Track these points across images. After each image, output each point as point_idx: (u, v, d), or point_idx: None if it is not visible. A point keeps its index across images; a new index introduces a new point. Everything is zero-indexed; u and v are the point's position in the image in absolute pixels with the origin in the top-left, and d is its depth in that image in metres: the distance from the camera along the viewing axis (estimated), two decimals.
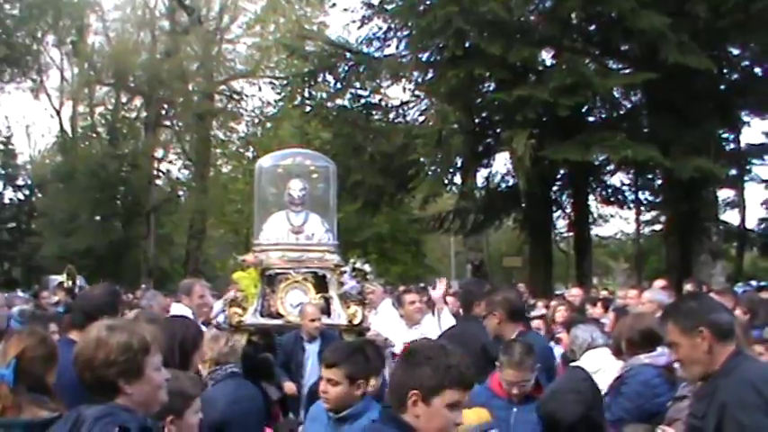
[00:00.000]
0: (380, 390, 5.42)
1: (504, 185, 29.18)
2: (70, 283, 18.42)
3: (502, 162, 29.23)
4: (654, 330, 6.51)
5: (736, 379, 3.93)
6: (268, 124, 45.82)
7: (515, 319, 6.58)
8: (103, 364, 3.41)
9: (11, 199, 51.27)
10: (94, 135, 48.88)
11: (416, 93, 28.46)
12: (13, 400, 3.97)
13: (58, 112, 49.34)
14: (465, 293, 7.79)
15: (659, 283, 12.74)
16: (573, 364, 6.91)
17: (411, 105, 29.04)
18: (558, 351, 9.09)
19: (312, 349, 8.79)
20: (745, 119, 28.46)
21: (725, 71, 25.90)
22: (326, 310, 9.71)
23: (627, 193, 30.43)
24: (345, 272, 10.02)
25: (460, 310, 9.12)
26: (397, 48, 27.72)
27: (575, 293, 14.48)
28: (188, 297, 9.14)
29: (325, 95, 29.96)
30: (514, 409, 5.68)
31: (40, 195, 50.59)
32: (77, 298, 7.40)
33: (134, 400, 3.43)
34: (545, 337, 9.32)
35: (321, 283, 9.90)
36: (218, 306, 10.13)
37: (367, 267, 10.37)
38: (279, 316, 9.67)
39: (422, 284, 24.64)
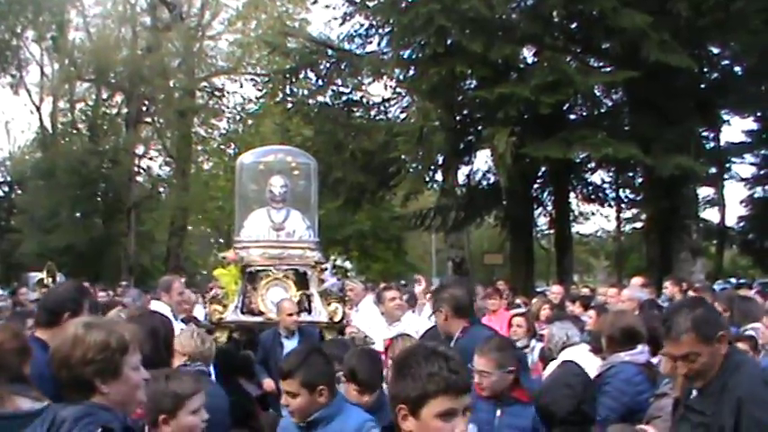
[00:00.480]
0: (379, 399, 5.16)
1: (485, 183, 29.24)
2: (50, 280, 18.32)
3: (483, 159, 29.32)
4: (635, 328, 6.54)
5: (746, 375, 3.99)
6: (249, 121, 45.77)
7: (460, 314, 6.46)
8: (80, 362, 3.35)
9: None
10: (75, 131, 48.66)
11: (398, 90, 28.46)
12: None
13: (38, 108, 49.12)
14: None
15: (637, 280, 12.81)
16: (555, 360, 6.92)
17: (392, 102, 29.06)
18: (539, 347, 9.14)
19: (290, 345, 8.74)
20: (726, 117, 28.72)
21: (705, 70, 26.09)
22: (307, 308, 9.70)
23: (608, 191, 30.57)
24: (326, 269, 10.03)
25: None
26: (379, 45, 27.77)
27: (556, 291, 14.51)
28: (167, 294, 9.13)
29: (306, 92, 29.93)
30: (498, 411, 5.49)
31: (19, 192, 50.35)
32: (42, 296, 7.33)
33: (110, 400, 3.38)
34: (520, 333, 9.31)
35: (302, 281, 9.88)
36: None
37: (348, 264, 10.42)
38: (260, 313, 9.65)
39: (403, 282, 24.70)
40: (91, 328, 3.44)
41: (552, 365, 6.93)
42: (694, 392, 4.17)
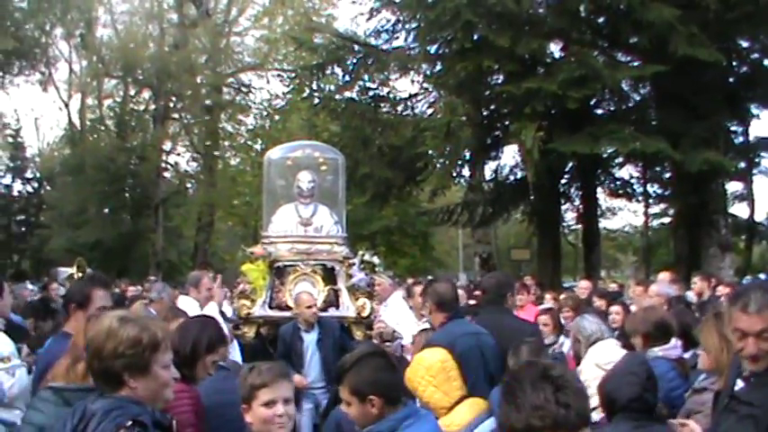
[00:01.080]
0: None
1: (512, 178, 29.16)
2: (80, 275, 18.40)
3: (510, 154, 29.27)
4: (667, 323, 6.54)
5: None
6: (276, 117, 45.74)
7: (442, 309, 6.72)
8: (111, 355, 3.44)
9: (20, 192, 51.47)
10: (103, 128, 48.91)
11: (425, 85, 28.46)
12: None
13: (67, 105, 49.53)
14: (498, 285, 7.65)
15: (665, 275, 12.72)
16: (586, 354, 6.89)
17: (419, 98, 29.04)
18: (569, 344, 9.11)
19: (310, 339, 8.78)
20: (755, 111, 28.37)
21: (734, 64, 25.83)
22: (335, 303, 9.72)
23: (635, 186, 30.43)
24: (354, 264, 10.04)
25: (468, 302, 9.09)
26: (406, 40, 27.69)
27: (584, 286, 14.45)
28: (195, 289, 9.16)
29: (333, 88, 29.95)
30: None
31: (48, 188, 50.70)
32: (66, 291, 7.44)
33: (138, 395, 3.45)
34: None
35: (330, 276, 9.92)
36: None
37: (375, 260, 10.40)
38: (287, 308, 9.67)
39: (430, 277, 24.69)
40: (126, 323, 3.52)
41: (585, 360, 6.89)
42: (740, 383, 4.04)
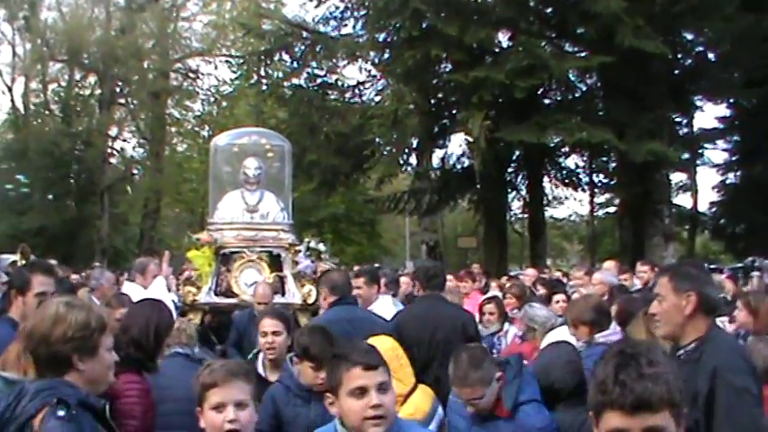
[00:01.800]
0: None
1: (459, 166, 29.27)
2: (24, 262, 18.15)
3: (457, 143, 29.38)
4: (607, 309, 6.66)
5: (722, 345, 4.14)
6: (224, 103, 45.59)
7: (333, 293, 7.38)
8: (60, 339, 3.47)
9: None
10: (47, 112, 48.23)
11: (373, 73, 28.50)
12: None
13: (10, 89, 48.64)
14: (426, 270, 7.96)
15: (609, 264, 12.87)
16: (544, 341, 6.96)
17: (367, 85, 29.07)
18: (513, 331, 9.19)
19: None
20: (699, 103, 28.83)
21: (679, 56, 26.19)
22: (281, 289, 9.70)
23: (581, 176, 30.68)
24: (300, 251, 10.02)
25: (414, 290, 9.14)
26: (354, 27, 27.77)
27: (530, 274, 14.57)
28: (142, 276, 9.11)
29: (281, 74, 29.90)
30: (473, 429, 5.32)
31: None
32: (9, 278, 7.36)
33: (85, 377, 3.50)
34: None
35: (276, 263, 9.89)
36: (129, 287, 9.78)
37: (321, 247, 10.40)
38: (233, 295, 9.65)
39: (377, 265, 24.71)
40: (72, 308, 3.56)
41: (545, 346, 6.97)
42: None
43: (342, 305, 7.31)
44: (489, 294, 11.95)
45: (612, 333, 6.48)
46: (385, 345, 5.23)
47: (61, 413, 3.31)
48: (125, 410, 4.47)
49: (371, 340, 5.45)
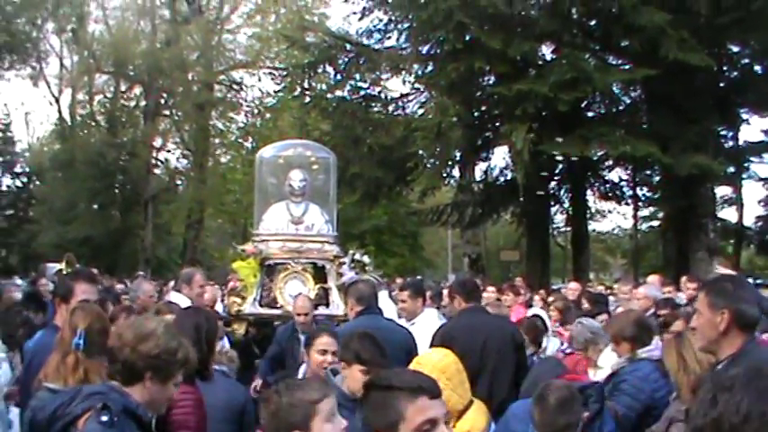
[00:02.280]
0: None
1: (502, 179, 29.16)
2: (69, 270, 18.34)
3: (500, 156, 29.27)
4: (648, 323, 6.63)
5: (754, 360, 4.06)
6: (267, 115, 45.79)
7: (359, 303, 7.50)
8: (144, 354, 3.62)
9: (9, 186, 51.26)
10: (93, 123, 48.84)
11: (416, 85, 28.43)
12: (89, 364, 4.44)
13: (57, 100, 49.38)
14: (464, 284, 7.97)
15: (653, 278, 12.78)
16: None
17: (411, 98, 29.02)
18: (555, 344, 9.17)
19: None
20: (744, 116, 28.49)
21: (725, 68, 25.96)
22: (325, 301, 9.75)
23: (625, 189, 30.43)
24: (344, 263, 10.06)
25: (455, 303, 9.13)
26: (398, 40, 27.74)
27: (573, 287, 14.49)
28: (188, 286, 9.15)
29: (324, 87, 29.99)
30: None
31: (38, 183, 50.55)
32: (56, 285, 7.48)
33: (145, 396, 3.63)
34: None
35: (320, 274, 9.95)
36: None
37: (366, 259, 10.42)
38: (278, 306, 9.70)
39: (419, 277, 24.72)
40: (168, 332, 3.77)
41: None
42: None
43: (367, 315, 7.40)
44: (530, 312, 11.94)
45: (655, 348, 6.44)
46: (449, 358, 5.10)
47: (104, 418, 3.40)
48: (179, 421, 4.51)
49: (432, 354, 5.39)
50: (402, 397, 2.86)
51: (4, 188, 51.00)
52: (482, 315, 7.65)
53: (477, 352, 6.84)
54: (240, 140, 47.40)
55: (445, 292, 12.72)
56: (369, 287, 7.85)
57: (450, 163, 27.01)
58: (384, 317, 7.83)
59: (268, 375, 8.74)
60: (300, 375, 6.49)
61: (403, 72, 27.81)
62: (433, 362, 5.00)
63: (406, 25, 26.68)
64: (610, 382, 6.28)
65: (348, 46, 28.29)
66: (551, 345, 9.63)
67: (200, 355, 5.07)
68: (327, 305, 9.75)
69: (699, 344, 4.49)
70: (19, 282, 21.77)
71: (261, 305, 9.84)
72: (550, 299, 12.96)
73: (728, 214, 35.02)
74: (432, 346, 6.83)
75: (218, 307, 10.82)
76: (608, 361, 6.87)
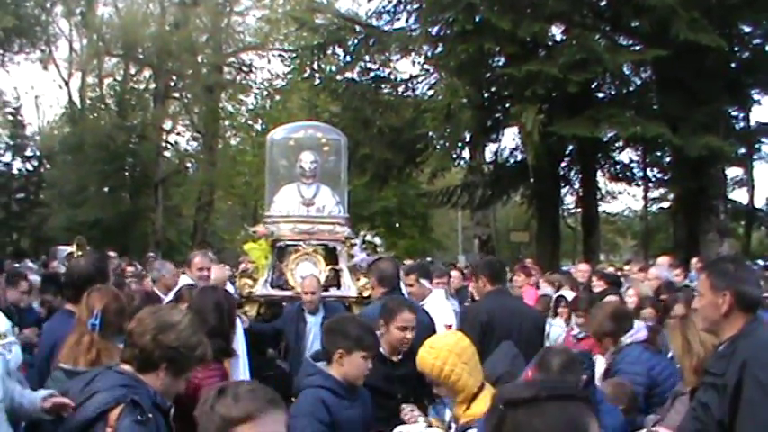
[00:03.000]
0: None
1: (512, 160, 29.20)
2: (80, 254, 18.40)
3: (510, 137, 29.30)
4: (622, 313, 6.68)
5: (754, 340, 4.14)
6: (277, 97, 45.79)
7: (381, 283, 7.57)
8: (163, 344, 3.67)
9: (19, 170, 51.28)
10: (103, 106, 48.83)
11: (426, 66, 28.46)
12: (103, 345, 4.53)
13: (67, 84, 49.36)
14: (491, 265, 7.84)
15: (664, 259, 12.79)
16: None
17: (420, 79, 29.05)
18: (557, 331, 9.25)
19: (314, 321, 8.79)
20: (756, 97, 28.36)
21: (736, 49, 25.82)
22: (336, 282, 9.78)
23: (635, 170, 30.43)
24: (356, 244, 10.08)
25: (471, 285, 9.16)
26: (407, 21, 27.74)
27: (582, 269, 14.48)
28: (190, 269, 9.24)
29: (334, 68, 30.04)
30: None
31: (48, 166, 50.62)
32: (66, 270, 7.42)
33: (157, 385, 3.68)
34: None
35: (331, 256, 9.96)
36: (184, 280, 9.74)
37: (377, 240, 10.44)
38: (289, 287, 9.73)
39: (429, 259, 24.71)
40: (192, 327, 3.82)
41: None
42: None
43: (393, 296, 7.24)
44: (542, 292, 11.99)
45: (637, 330, 6.51)
46: (465, 341, 5.06)
47: (139, 417, 3.45)
48: None
49: (447, 336, 5.35)
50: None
51: (14, 172, 51.04)
52: (510, 298, 7.71)
53: (515, 335, 6.73)
54: (250, 123, 47.43)
55: (454, 273, 12.78)
56: (391, 266, 7.80)
57: (459, 144, 27.02)
58: (408, 297, 7.83)
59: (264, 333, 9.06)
60: (307, 354, 6.52)
61: (412, 53, 27.82)
62: (450, 345, 4.98)
63: (415, 6, 26.68)
64: (607, 377, 6.31)
65: (357, 27, 28.29)
66: (553, 331, 9.70)
67: (223, 331, 5.19)
68: (339, 286, 9.77)
69: (701, 325, 4.54)
70: (30, 264, 21.87)
71: (272, 286, 9.86)
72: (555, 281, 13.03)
73: (739, 195, 34.98)
74: (461, 327, 6.83)
75: (230, 288, 10.87)
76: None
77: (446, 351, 4.89)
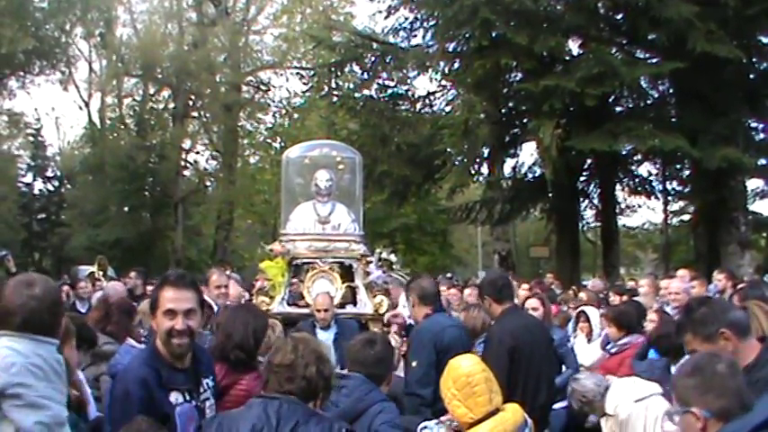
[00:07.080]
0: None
1: (530, 175, 29.14)
2: (101, 273, 18.46)
3: (528, 152, 29.32)
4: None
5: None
6: (295, 115, 45.99)
7: (425, 302, 7.16)
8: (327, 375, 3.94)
9: (41, 190, 51.56)
10: (123, 126, 49.08)
11: (443, 83, 28.48)
12: None
13: (87, 104, 49.62)
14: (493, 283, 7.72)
15: (682, 272, 12.68)
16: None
17: (438, 95, 29.08)
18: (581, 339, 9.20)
19: (326, 337, 8.80)
20: None
21: (754, 60, 25.69)
22: (352, 300, 9.79)
23: (654, 183, 30.24)
24: (371, 262, 10.09)
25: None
26: (424, 38, 27.75)
27: (592, 285, 14.39)
28: (207, 288, 9.25)
29: (351, 86, 30.11)
30: None
31: (69, 187, 50.87)
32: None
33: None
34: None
35: (347, 273, 9.97)
36: None
37: (393, 257, 10.44)
38: (306, 305, 9.74)
39: (449, 275, 24.71)
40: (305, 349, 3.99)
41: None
42: None
43: (439, 313, 7.30)
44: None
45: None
46: (463, 370, 4.95)
47: None
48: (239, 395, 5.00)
49: (461, 359, 5.24)
50: None
51: (36, 192, 51.36)
52: (526, 315, 7.69)
53: (537, 351, 6.78)
54: (268, 141, 47.63)
55: (452, 291, 12.80)
56: (431, 284, 7.52)
57: (478, 160, 27.03)
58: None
59: None
60: None
61: (429, 70, 27.84)
62: (453, 369, 4.98)
63: (431, 23, 26.68)
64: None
65: (374, 45, 28.39)
66: (579, 347, 9.68)
67: (248, 348, 5.38)
68: (355, 304, 9.78)
69: None
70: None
71: (289, 304, 9.89)
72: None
73: (760, 207, 34.84)
74: (487, 351, 6.78)
75: None
76: None
77: (446, 373, 4.98)
